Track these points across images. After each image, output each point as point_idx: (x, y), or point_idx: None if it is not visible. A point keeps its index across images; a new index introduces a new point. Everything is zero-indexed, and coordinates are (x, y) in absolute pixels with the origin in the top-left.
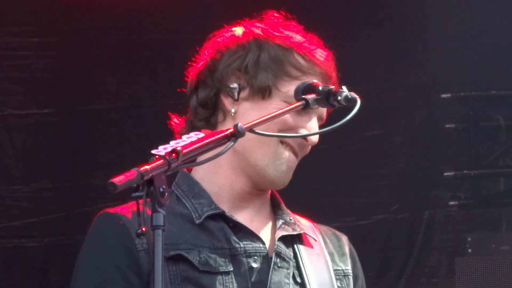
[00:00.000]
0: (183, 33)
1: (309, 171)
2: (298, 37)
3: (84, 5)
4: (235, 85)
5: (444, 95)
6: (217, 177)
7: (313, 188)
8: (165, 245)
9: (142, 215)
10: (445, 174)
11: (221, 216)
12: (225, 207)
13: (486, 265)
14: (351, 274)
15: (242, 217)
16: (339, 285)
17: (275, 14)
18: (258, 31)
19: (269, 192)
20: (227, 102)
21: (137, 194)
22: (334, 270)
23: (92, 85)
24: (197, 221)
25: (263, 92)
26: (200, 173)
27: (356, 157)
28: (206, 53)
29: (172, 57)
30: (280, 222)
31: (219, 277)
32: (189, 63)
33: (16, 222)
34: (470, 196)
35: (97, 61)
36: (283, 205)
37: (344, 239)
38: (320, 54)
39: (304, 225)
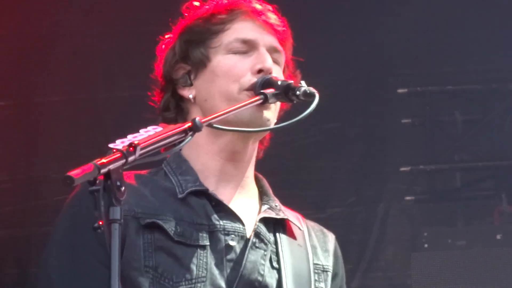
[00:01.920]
0: (139, 26)
1: (266, 164)
2: (221, 1)
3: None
4: (181, 74)
5: (400, 90)
6: (200, 154)
7: (269, 181)
8: (142, 214)
9: (98, 209)
10: (401, 169)
11: (205, 194)
12: (210, 184)
13: (442, 260)
14: (331, 271)
15: (226, 195)
16: (316, 278)
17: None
18: (179, 25)
19: (254, 177)
20: (184, 92)
21: (93, 188)
22: (314, 263)
23: (48, 77)
24: (180, 196)
25: (203, 62)
26: (187, 151)
27: (312, 150)
28: (155, 65)
29: (127, 50)
30: (265, 206)
31: (195, 249)
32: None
33: None
34: (426, 190)
35: (52, 53)
36: (270, 193)
37: (331, 236)
38: (246, 0)
39: (290, 214)
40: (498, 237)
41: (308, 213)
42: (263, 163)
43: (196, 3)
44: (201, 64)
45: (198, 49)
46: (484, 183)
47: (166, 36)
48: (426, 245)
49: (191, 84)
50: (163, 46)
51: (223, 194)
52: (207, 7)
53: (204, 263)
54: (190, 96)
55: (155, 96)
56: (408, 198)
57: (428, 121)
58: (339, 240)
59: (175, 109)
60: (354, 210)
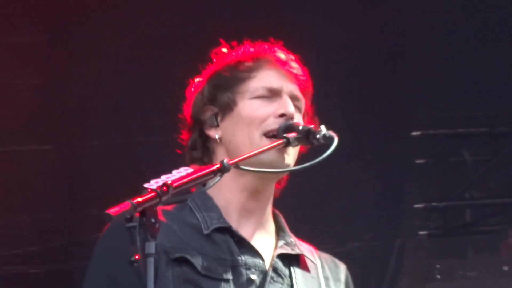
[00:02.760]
0: (173, 74)
1: (290, 202)
2: (248, 49)
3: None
4: (209, 116)
5: (414, 133)
6: (224, 192)
7: (294, 216)
8: (171, 249)
9: (135, 244)
10: (416, 206)
11: (228, 230)
12: (232, 220)
13: None
14: None
15: (246, 231)
16: None
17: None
18: (208, 70)
19: (272, 213)
20: (211, 132)
21: (130, 224)
22: None
23: (88, 122)
24: (205, 232)
25: (230, 106)
26: (211, 189)
27: (334, 189)
28: (184, 107)
29: (161, 96)
30: (281, 242)
31: (219, 283)
32: (177, 103)
33: (18, 250)
34: (439, 226)
35: (92, 100)
36: (287, 228)
37: (342, 267)
38: (271, 50)
39: (304, 248)
40: (505, 268)
41: (329, 247)
42: (288, 199)
43: (224, 50)
44: (227, 107)
45: (226, 93)
46: (492, 218)
47: (196, 80)
48: (438, 276)
49: (218, 125)
50: (193, 88)
51: (244, 229)
52: (235, 54)
53: None
54: (217, 136)
55: (183, 135)
56: (422, 232)
57: (441, 162)
58: (359, 272)
59: (202, 148)
60: (372, 245)
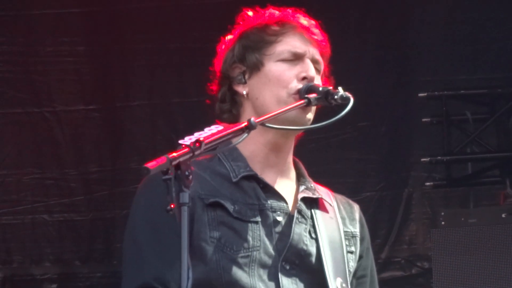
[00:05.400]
0: (203, 42)
1: (309, 156)
2: (274, 13)
3: (122, 20)
4: (237, 73)
5: (421, 94)
6: (250, 145)
7: (312, 171)
8: (205, 195)
9: (170, 194)
10: (422, 159)
11: (254, 177)
12: (257, 169)
13: (457, 235)
14: (359, 236)
15: (270, 178)
16: (347, 243)
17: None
18: (238, 29)
19: (293, 161)
20: (239, 88)
21: (166, 177)
22: (344, 231)
23: (129, 85)
24: (234, 180)
25: (257, 66)
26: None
27: (348, 144)
28: (215, 62)
29: (195, 62)
30: (302, 187)
31: (249, 224)
32: (209, 68)
33: (66, 199)
34: (443, 177)
35: (132, 66)
36: (306, 174)
37: (356, 207)
38: (295, 16)
39: (322, 191)
40: (503, 215)
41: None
42: (307, 155)
43: (250, 13)
44: (255, 67)
45: (254, 54)
46: (491, 171)
47: (227, 38)
48: (443, 223)
49: (245, 83)
50: (223, 46)
51: (268, 177)
52: (262, 17)
53: (258, 235)
54: (244, 92)
55: (212, 86)
56: (428, 184)
57: (445, 120)
58: (371, 219)
59: (230, 101)
60: (383, 194)
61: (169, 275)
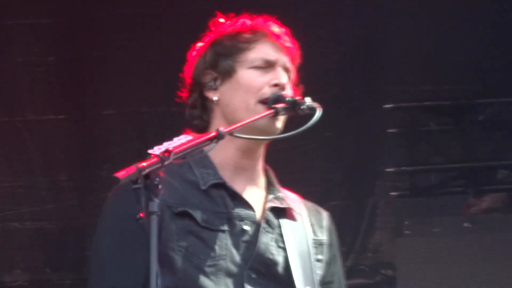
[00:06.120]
0: (174, 51)
1: (275, 165)
2: (246, 22)
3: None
4: (209, 79)
5: (386, 105)
6: (220, 151)
7: (278, 179)
8: (174, 203)
9: (140, 203)
10: (387, 169)
11: (223, 186)
12: (226, 176)
13: (421, 244)
14: (326, 243)
15: (239, 185)
16: (314, 251)
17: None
18: (210, 36)
19: (263, 168)
20: (210, 94)
21: (136, 186)
22: (313, 239)
23: (99, 95)
24: (203, 188)
25: (229, 73)
26: None
27: (314, 154)
28: (186, 68)
29: (165, 70)
30: (271, 196)
31: (217, 233)
32: (180, 74)
33: (37, 207)
34: (407, 187)
35: (102, 74)
36: (276, 183)
37: (325, 214)
38: (266, 23)
39: (292, 199)
40: (466, 225)
41: None
42: (275, 163)
43: (222, 20)
44: (227, 74)
45: (226, 61)
46: (454, 181)
47: (198, 45)
48: (407, 232)
49: (216, 89)
50: (194, 52)
51: (237, 185)
52: (234, 25)
53: (224, 244)
54: (215, 98)
55: (182, 93)
56: (392, 193)
57: (409, 131)
58: (337, 227)
59: (201, 107)
60: (348, 203)
61: (130, 284)
